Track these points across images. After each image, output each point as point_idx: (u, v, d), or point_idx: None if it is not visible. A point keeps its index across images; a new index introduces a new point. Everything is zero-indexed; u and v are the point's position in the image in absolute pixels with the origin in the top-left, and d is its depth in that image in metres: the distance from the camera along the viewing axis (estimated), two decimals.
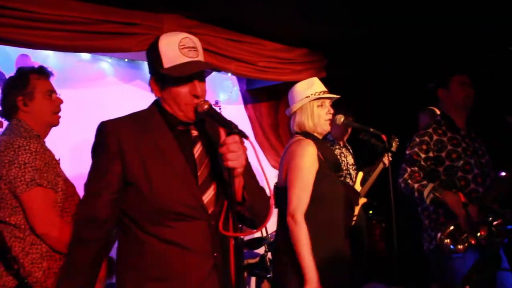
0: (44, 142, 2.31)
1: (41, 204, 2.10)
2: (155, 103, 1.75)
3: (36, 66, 2.39)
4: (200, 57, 1.66)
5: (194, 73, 1.63)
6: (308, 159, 2.37)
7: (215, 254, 1.63)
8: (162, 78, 1.66)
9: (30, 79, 2.30)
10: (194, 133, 1.72)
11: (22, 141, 2.14)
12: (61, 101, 2.40)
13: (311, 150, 2.38)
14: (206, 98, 1.66)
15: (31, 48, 3.36)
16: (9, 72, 3.67)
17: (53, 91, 2.39)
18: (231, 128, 1.53)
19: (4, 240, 2.08)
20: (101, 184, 1.62)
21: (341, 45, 4.69)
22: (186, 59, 1.61)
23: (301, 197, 2.32)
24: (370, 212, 5.56)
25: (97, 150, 1.68)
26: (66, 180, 2.30)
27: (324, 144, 2.51)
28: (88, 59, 4.19)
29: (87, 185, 1.67)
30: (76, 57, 4.10)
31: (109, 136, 1.62)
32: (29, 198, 2.09)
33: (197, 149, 1.70)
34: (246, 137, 1.52)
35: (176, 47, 1.61)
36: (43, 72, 2.37)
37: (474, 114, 3.17)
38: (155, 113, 1.71)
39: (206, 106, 1.61)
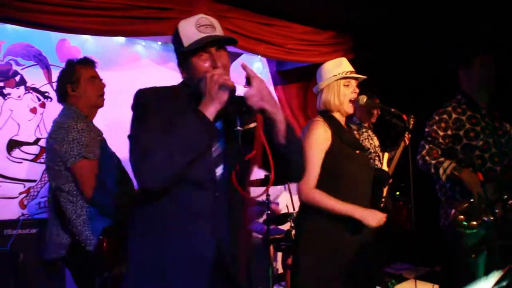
0: (90, 121, 2.69)
1: (87, 173, 2.48)
2: (183, 82, 1.86)
3: (82, 57, 2.79)
4: (218, 33, 1.76)
5: (211, 46, 1.71)
6: (313, 139, 2.45)
7: (214, 220, 1.73)
8: (184, 57, 1.76)
9: (76, 68, 2.70)
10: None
11: (70, 121, 2.53)
12: (104, 85, 2.78)
13: (318, 130, 2.47)
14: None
15: (72, 33, 3.57)
16: (50, 55, 3.93)
17: (95, 76, 2.77)
18: (240, 106, 1.64)
19: (61, 205, 2.52)
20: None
21: (369, 28, 4.72)
22: (202, 35, 1.71)
23: (309, 171, 2.39)
24: (397, 193, 5.61)
25: (145, 111, 1.70)
26: (111, 155, 2.69)
27: (340, 125, 2.56)
28: (123, 42, 4.36)
29: (146, 143, 1.60)
30: (112, 41, 4.28)
31: (149, 99, 1.72)
32: (77, 169, 2.48)
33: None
34: (254, 115, 1.64)
35: (193, 26, 1.73)
36: (87, 62, 2.77)
37: (500, 94, 3.16)
38: (183, 89, 1.81)
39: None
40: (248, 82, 1.65)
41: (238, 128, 1.65)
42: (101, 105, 2.79)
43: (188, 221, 1.71)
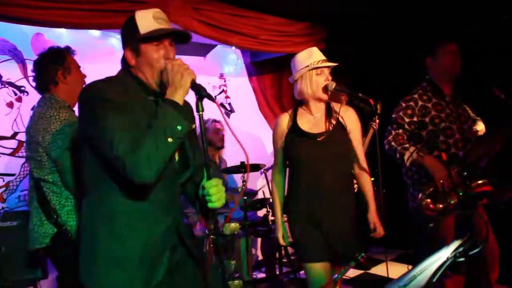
0: (73, 111, 2.62)
1: (71, 164, 2.42)
2: (126, 72, 1.87)
3: (64, 46, 2.72)
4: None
5: (167, 38, 1.81)
6: (275, 131, 2.81)
7: (172, 206, 1.89)
8: (138, 45, 1.80)
9: (66, 55, 2.65)
10: None
11: (53, 111, 2.47)
12: (85, 76, 2.75)
13: (280, 122, 2.78)
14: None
15: (47, 27, 3.58)
16: (25, 49, 3.93)
17: (79, 66, 2.74)
18: (201, 92, 1.72)
19: (44, 195, 2.47)
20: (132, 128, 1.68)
21: (344, 20, 4.83)
22: (160, 26, 1.80)
23: (274, 160, 2.87)
24: (372, 178, 5.75)
25: (103, 105, 1.69)
26: None
27: (300, 117, 2.74)
28: (98, 36, 4.40)
29: (129, 137, 1.65)
30: (87, 35, 4.32)
31: (107, 92, 1.72)
32: (62, 160, 2.43)
33: None
34: (213, 100, 1.76)
35: (151, 17, 1.80)
36: (71, 51, 2.72)
37: (463, 81, 3.29)
38: (130, 81, 1.84)
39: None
40: None
41: (201, 112, 1.77)
42: None
43: (153, 211, 1.82)
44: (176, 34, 1.85)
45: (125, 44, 1.85)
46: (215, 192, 1.78)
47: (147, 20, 1.79)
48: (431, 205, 2.97)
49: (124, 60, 1.87)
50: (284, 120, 2.77)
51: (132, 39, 1.81)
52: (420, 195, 2.99)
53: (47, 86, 2.62)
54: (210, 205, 1.78)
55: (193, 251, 1.93)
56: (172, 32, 1.83)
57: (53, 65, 2.61)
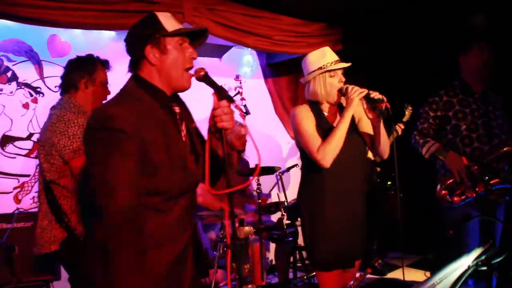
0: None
1: (82, 169, 2.42)
2: (137, 80, 1.73)
3: (104, 59, 2.74)
4: None
5: (192, 37, 1.77)
6: (304, 116, 2.57)
7: (190, 225, 1.78)
8: (164, 42, 1.70)
9: (98, 67, 2.65)
10: (177, 109, 1.78)
11: (71, 115, 2.49)
12: (109, 93, 2.71)
13: (303, 109, 2.60)
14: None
15: (61, 27, 3.58)
16: (42, 50, 3.96)
17: (107, 82, 2.73)
18: (222, 93, 1.69)
19: (55, 198, 2.45)
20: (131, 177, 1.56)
21: (358, 20, 4.76)
22: (186, 26, 1.80)
23: (313, 142, 2.49)
24: (389, 182, 5.67)
25: (111, 144, 1.57)
26: None
27: (321, 112, 2.64)
28: (113, 37, 4.40)
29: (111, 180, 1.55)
30: (103, 36, 4.33)
31: (123, 124, 1.57)
32: (75, 164, 2.44)
33: (183, 127, 1.79)
34: (233, 101, 1.72)
35: (171, 18, 1.75)
36: (106, 65, 2.73)
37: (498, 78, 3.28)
38: (142, 93, 1.70)
39: (202, 73, 1.72)
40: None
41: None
42: None
43: (173, 229, 1.72)
44: (201, 34, 1.81)
45: (146, 41, 1.70)
46: (227, 112, 1.71)
47: (170, 20, 1.73)
48: (447, 197, 3.06)
49: (135, 65, 1.75)
50: (308, 110, 2.60)
51: (156, 36, 1.69)
52: (438, 186, 3.11)
53: (68, 89, 2.62)
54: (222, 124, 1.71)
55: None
56: (201, 31, 1.81)
57: (80, 72, 2.62)
